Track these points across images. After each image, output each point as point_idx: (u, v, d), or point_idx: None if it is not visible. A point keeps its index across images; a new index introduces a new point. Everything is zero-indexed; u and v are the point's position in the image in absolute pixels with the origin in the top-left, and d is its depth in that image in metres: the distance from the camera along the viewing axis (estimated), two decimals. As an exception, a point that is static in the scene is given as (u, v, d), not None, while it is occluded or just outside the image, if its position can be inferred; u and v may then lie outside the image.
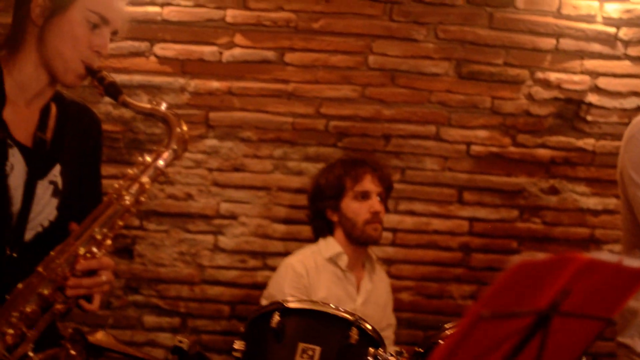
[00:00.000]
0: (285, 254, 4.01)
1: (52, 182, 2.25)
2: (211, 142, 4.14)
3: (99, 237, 2.13)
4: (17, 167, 2.17)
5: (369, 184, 3.60)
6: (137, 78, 4.09)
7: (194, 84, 4.11)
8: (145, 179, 2.18)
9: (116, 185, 2.17)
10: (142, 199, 2.19)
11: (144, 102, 2.28)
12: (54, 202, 2.24)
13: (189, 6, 4.08)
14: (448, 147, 4.19)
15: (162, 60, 4.10)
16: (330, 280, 3.57)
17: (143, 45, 4.09)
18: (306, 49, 4.12)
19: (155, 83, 4.10)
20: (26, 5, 2.19)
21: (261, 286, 4.02)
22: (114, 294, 4.15)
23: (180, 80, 4.11)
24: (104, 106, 4.04)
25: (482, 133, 4.19)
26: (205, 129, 4.13)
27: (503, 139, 4.19)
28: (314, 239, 3.73)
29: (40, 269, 2.09)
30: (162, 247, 4.16)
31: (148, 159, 2.20)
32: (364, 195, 3.59)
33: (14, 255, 2.16)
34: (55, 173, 2.26)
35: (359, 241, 3.59)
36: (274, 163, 4.17)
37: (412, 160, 4.19)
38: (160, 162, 2.20)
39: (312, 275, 3.55)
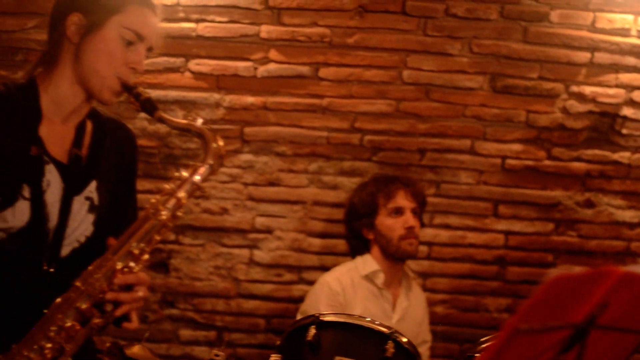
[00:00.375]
0: (321, 267, 4.04)
1: (88, 198, 2.26)
2: (246, 156, 4.16)
3: (136, 251, 2.13)
4: (53, 184, 2.19)
5: (401, 199, 3.60)
6: (172, 94, 4.12)
7: (228, 99, 4.14)
8: (182, 194, 2.18)
9: (153, 200, 2.17)
10: (179, 213, 2.19)
11: (179, 118, 2.30)
12: (90, 217, 2.26)
13: (223, 22, 4.10)
14: (483, 160, 4.18)
15: (197, 75, 4.13)
16: (366, 298, 3.57)
17: (178, 61, 4.12)
18: (341, 64, 4.14)
19: (190, 98, 4.13)
20: (62, 24, 2.22)
21: (297, 300, 4.05)
22: (150, 308, 4.18)
23: (215, 96, 4.14)
24: (140, 121, 4.09)
25: (517, 147, 4.18)
26: (241, 144, 4.15)
27: (538, 153, 4.18)
28: (350, 256, 3.73)
29: (78, 283, 2.10)
30: (197, 261, 4.19)
31: (185, 174, 2.20)
32: (398, 211, 3.59)
33: (51, 270, 2.18)
34: (91, 189, 2.28)
35: (395, 257, 3.59)
36: (309, 177, 4.18)
37: (447, 174, 4.19)
38: (197, 177, 2.21)
39: (348, 293, 3.55)
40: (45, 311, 2.09)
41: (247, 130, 4.15)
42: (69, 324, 2.09)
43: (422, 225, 3.73)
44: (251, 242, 4.20)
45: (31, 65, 2.30)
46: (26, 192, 2.13)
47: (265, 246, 4.20)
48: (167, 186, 2.19)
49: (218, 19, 4.10)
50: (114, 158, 2.38)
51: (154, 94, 3.99)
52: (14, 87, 2.23)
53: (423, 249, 4.16)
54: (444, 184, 4.20)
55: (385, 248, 3.58)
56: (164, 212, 2.16)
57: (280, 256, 4.20)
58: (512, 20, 4.13)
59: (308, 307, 3.57)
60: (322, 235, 4.20)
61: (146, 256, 2.16)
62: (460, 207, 4.21)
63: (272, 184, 4.18)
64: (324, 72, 4.14)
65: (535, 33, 4.13)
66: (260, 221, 4.19)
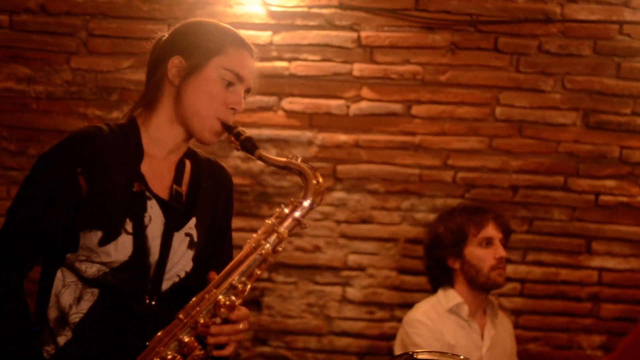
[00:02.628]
0: (413, 305, 4.01)
1: (188, 234, 2.30)
2: (339, 194, 4.17)
3: (238, 285, 2.19)
4: (155, 219, 2.23)
5: (492, 230, 3.59)
6: (266, 132, 4.14)
7: (321, 137, 4.15)
8: (282, 229, 2.23)
9: (255, 235, 2.23)
10: (280, 249, 2.24)
11: (279, 156, 2.33)
12: (190, 253, 2.30)
13: (316, 60, 4.12)
14: (576, 197, 4.16)
15: (290, 114, 4.15)
16: (454, 330, 3.56)
17: (271, 100, 4.14)
18: (433, 101, 4.14)
19: (283, 137, 4.15)
20: (163, 66, 2.28)
21: (389, 337, 4.05)
22: (243, 346, 4.19)
23: (308, 134, 4.15)
24: (232, 160, 4.11)
25: (611, 183, 4.16)
26: (333, 182, 4.16)
27: (632, 189, 4.15)
28: (431, 289, 3.72)
29: (181, 315, 2.15)
30: (290, 299, 4.19)
31: (286, 210, 2.25)
32: (489, 242, 3.58)
33: (153, 304, 2.21)
34: (191, 225, 2.31)
35: (484, 287, 3.57)
36: (402, 215, 4.18)
37: (539, 210, 4.17)
38: (297, 214, 2.25)
39: (437, 324, 3.54)
40: (148, 343, 2.14)
41: (340, 168, 4.16)
42: (170, 356, 2.14)
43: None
44: (343, 280, 4.20)
45: (131, 105, 2.37)
46: (129, 226, 2.17)
47: (357, 283, 4.19)
48: (269, 221, 2.25)
49: (311, 57, 4.12)
50: (211, 197, 2.41)
51: (248, 132, 4.06)
52: (115, 126, 2.29)
53: (515, 285, 4.16)
54: (536, 221, 4.18)
55: (474, 278, 3.56)
56: (265, 247, 2.20)
57: (372, 293, 4.20)
58: (605, 56, 4.12)
59: (401, 340, 3.58)
60: (415, 272, 4.19)
61: (247, 290, 2.20)
62: (553, 244, 4.18)
63: (364, 221, 4.18)
64: (416, 109, 4.14)
65: (629, 68, 4.11)
66: (352, 259, 4.19)
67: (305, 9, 4.09)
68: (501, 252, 3.57)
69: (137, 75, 4.06)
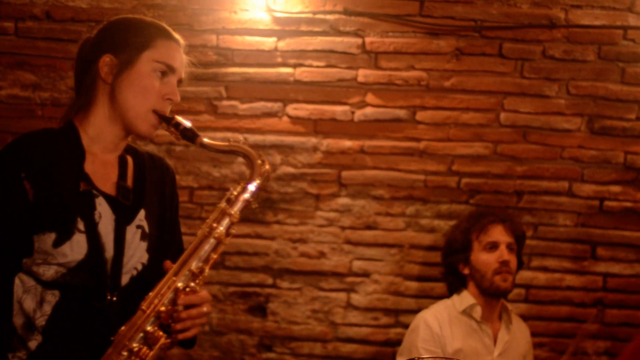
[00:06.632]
0: (418, 310, 3.99)
1: (139, 227, 2.34)
2: (343, 200, 4.17)
3: (196, 271, 2.24)
4: (105, 215, 2.26)
5: (496, 234, 3.60)
6: (271, 138, 4.14)
7: (326, 143, 4.15)
8: (234, 212, 2.29)
9: (207, 220, 2.29)
10: (233, 231, 2.31)
11: (220, 141, 2.35)
12: (144, 245, 2.34)
13: (320, 66, 4.12)
14: (581, 202, 4.16)
15: (295, 120, 4.15)
16: (465, 333, 3.57)
17: (276, 106, 4.14)
18: (437, 107, 4.14)
19: (288, 143, 4.15)
20: (94, 66, 2.32)
21: (394, 343, 4.05)
22: (248, 352, 4.19)
23: (313, 140, 4.15)
24: (237, 166, 4.12)
25: (616, 188, 4.15)
26: (338, 188, 4.16)
27: (637, 194, 4.15)
28: (448, 296, 3.73)
29: (144, 306, 2.19)
30: (295, 305, 4.19)
31: (235, 193, 2.32)
32: (493, 246, 3.59)
33: (114, 299, 2.25)
34: (141, 217, 2.36)
35: (489, 293, 3.58)
36: (406, 221, 4.18)
37: (544, 216, 4.17)
38: (246, 195, 2.33)
39: (445, 329, 3.55)
40: (112, 338, 2.18)
41: (345, 174, 4.16)
42: (137, 348, 2.17)
43: (521, 263, 3.72)
44: (348, 286, 4.20)
45: (66, 110, 2.40)
46: (81, 225, 2.20)
47: (362, 290, 4.19)
48: (220, 205, 2.30)
49: (315, 63, 4.12)
50: (156, 189, 2.47)
51: (252, 138, 4.08)
52: (55, 130, 2.34)
53: (520, 291, 4.16)
54: (541, 227, 4.18)
55: (479, 283, 3.58)
56: (218, 230, 2.27)
57: (377, 299, 4.20)
58: (609, 61, 4.12)
59: (406, 344, 3.60)
60: (419, 278, 4.19)
61: (205, 273, 2.26)
62: (558, 250, 4.18)
63: (369, 227, 4.18)
64: (421, 115, 4.14)
65: (633, 74, 4.12)
66: (357, 265, 4.19)
67: (309, 15, 4.09)
68: (505, 255, 3.57)
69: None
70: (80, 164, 2.27)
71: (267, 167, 2.36)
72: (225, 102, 4.12)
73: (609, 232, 4.18)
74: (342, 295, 4.20)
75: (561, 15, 4.10)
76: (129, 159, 2.42)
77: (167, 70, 2.32)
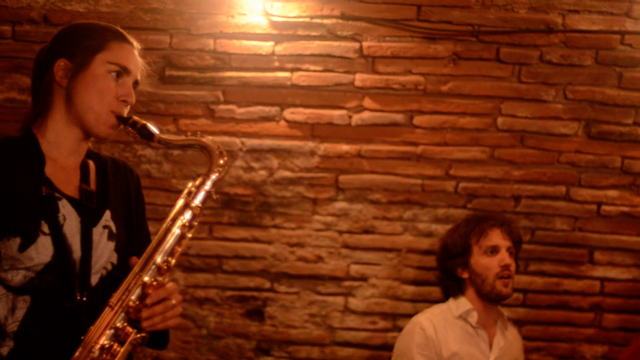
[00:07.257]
0: (415, 314, 4.01)
1: (106, 227, 2.36)
2: (341, 204, 4.17)
3: (162, 265, 2.27)
4: (69, 217, 2.27)
5: (496, 238, 3.59)
6: (268, 142, 4.14)
7: (323, 147, 4.15)
8: (195, 204, 2.33)
9: (171, 214, 2.32)
10: (195, 223, 2.34)
11: (177, 136, 2.38)
12: (111, 245, 2.36)
13: (318, 71, 4.12)
14: (578, 207, 4.17)
15: (292, 124, 4.15)
16: (461, 337, 3.56)
17: (273, 110, 4.14)
18: (435, 112, 4.14)
19: (285, 147, 4.15)
20: (48, 72, 2.34)
21: (391, 347, 4.01)
22: (245, 356, 4.18)
23: (310, 144, 4.15)
24: (235, 170, 4.11)
25: (613, 193, 4.16)
26: (335, 192, 4.16)
27: (634, 199, 4.16)
28: (444, 300, 3.72)
29: (112, 302, 2.21)
30: (292, 309, 4.19)
31: (197, 183, 2.36)
32: (493, 250, 3.58)
33: (84, 300, 2.26)
34: (107, 218, 2.37)
35: (489, 297, 3.57)
36: (404, 225, 4.18)
37: (542, 220, 4.18)
38: (207, 186, 2.37)
39: (440, 333, 3.54)
40: (83, 337, 2.19)
41: (342, 178, 4.16)
42: (108, 345, 2.19)
43: (518, 267, 3.72)
44: (346, 290, 4.20)
45: (24, 118, 2.41)
46: (45, 228, 2.22)
47: (359, 294, 4.19)
48: (182, 199, 2.34)
49: (313, 68, 4.12)
50: (121, 191, 2.48)
51: (250, 142, 4.08)
52: (15, 139, 2.35)
53: (518, 296, 4.16)
54: (538, 231, 4.18)
55: (480, 288, 3.57)
56: (182, 222, 2.31)
57: (374, 304, 4.20)
58: (606, 66, 4.12)
59: (400, 348, 3.59)
60: (417, 282, 4.20)
61: (172, 265, 2.29)
62: (556, 254, 4.19)
63: (366, 231, 4.18)
64: (418, 119, 4.15)
65: (630, 78, 4.12)
66: (354, 269, 4.19)
67: (307, 20, 4.09)
68: (507, 259, 3.56)
69: (141, 86, 4.05)
70: (41, 169, 2.29)
71: (226, 158, 2.40)
72: (222, 107, 4.12)
73: (606, 236, 4.18)
74: (339, 299, 4.20)
75: (558, 20, 4.10)
76: (91, 163, 2.44)
77: (122, 71, 2.33)
